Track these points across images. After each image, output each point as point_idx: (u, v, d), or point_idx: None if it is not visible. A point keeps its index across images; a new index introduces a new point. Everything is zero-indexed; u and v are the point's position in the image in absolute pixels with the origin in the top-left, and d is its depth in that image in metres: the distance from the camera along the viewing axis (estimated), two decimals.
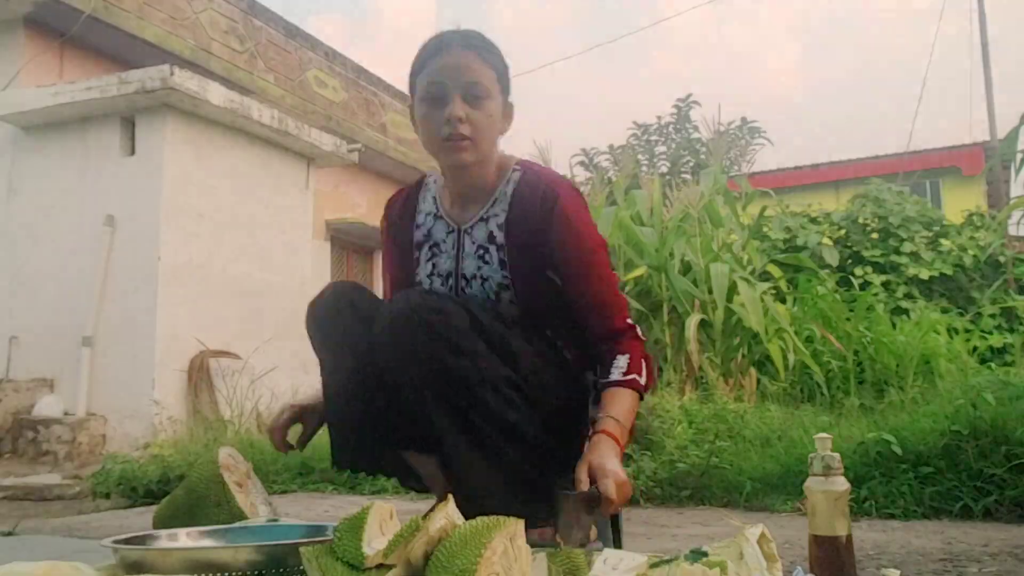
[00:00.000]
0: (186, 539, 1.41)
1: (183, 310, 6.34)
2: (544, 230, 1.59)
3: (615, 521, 1.62)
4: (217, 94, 6.57)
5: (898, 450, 2.68)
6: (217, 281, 6.71)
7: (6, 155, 6.88)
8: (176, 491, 1.91)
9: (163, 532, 1.43)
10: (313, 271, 8.11)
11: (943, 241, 7.55)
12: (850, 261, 7.27)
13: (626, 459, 2.84)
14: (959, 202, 11.96)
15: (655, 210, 4.93)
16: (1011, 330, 6.24)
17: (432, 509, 1.06)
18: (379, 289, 1.82)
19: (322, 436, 1.68)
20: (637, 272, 4.57)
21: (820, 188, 14.44)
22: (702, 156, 11.55)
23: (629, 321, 1.64)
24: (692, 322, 4.28)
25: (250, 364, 6.24)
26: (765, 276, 5.49)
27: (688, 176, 10.53)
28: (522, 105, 1.70)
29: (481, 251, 1.63)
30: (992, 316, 6.45)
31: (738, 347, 4.62)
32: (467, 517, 1.04)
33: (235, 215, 6.95)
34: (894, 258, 7.21)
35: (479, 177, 1.64)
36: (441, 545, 0.97)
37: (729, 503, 2.93)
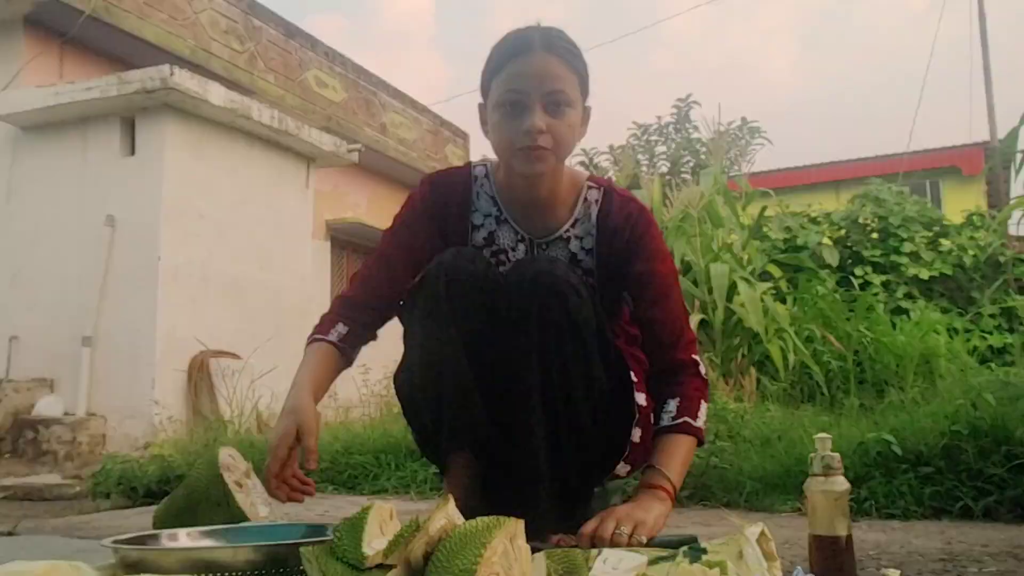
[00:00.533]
0: (186, 539, 1.40)
1: (183, 310, 6.34)
2: (630, 258, 1.57)
3: None
4: (217, 94, 6.56)
5: (898, 450, 2.68)
6: (217, 281, 6.70)
7: (6, 155, 6.88)
8: (176, 491, 1.90)
9: (163, 532, 1.43)
10: (313, 271, 8.11)
11: (943, 241, 7.53)
12: (850, 261, 7.25)
13: None
14: (959, 202, 11.95)
15: (655, 210, 4.94)
16: (1011, 330, 6.23)
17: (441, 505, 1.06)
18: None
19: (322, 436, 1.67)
20: None
21: (820, 188, 14.42)
22: (702, 156, 11.53)
23: (695, 357, 1.59)
24: (692, 322, 4.28)
25: (250, 364, 6.23)
26: (765, 276, 5.49)
27: (688, 176, 10.51)
28: None
29: None
30: (992, 316, 6.44)
31: (738, 347, 4.62)
32: (492, 502, 1.03)
33: (235, 215, 6.94)
34: (894, 258, 7.20)
35: (551, 187, 1.58)
36: (441, 545, 0.96)
37: (729, 503, 2.93)
